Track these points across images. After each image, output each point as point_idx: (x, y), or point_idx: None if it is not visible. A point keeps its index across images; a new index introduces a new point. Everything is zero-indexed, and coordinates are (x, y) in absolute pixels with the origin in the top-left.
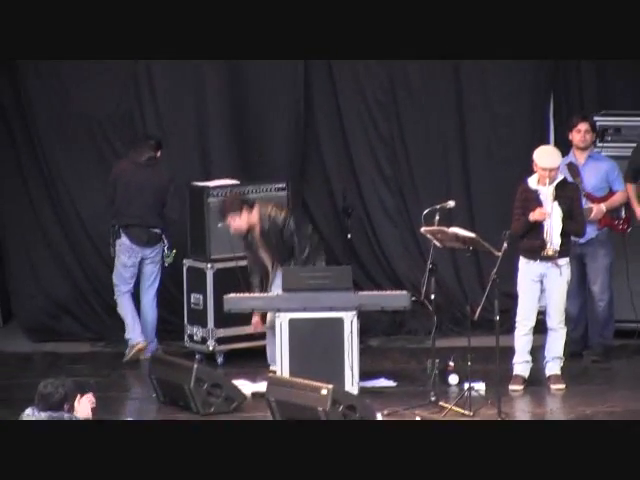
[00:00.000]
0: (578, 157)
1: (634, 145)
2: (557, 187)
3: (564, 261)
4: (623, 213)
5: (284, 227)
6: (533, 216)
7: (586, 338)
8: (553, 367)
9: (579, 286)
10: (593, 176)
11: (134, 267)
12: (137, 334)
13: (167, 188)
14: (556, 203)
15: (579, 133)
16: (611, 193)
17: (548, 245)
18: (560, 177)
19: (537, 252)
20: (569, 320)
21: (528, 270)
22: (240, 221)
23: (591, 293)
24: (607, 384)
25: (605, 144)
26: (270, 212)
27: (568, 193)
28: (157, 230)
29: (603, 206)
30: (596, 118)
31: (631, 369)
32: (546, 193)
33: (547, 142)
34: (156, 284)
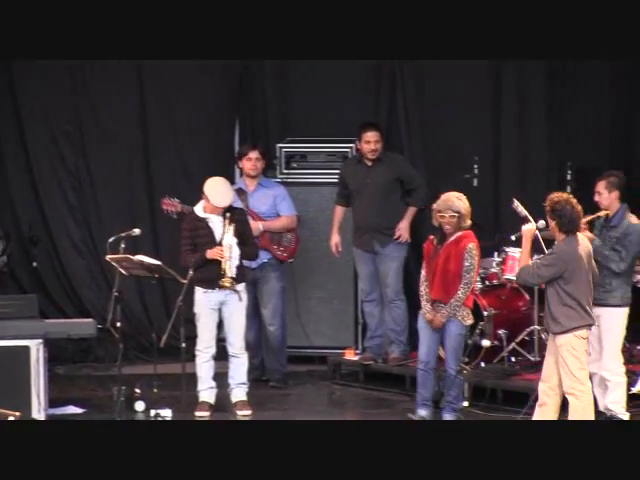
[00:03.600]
0: (248, 184)
1: (320, 171)
2: (226, 213)
3: (242, 287)
4: (293, 243)
5: None
6: (211, 254)
7: (265, 364)
8: (238, 393)
9: (254, 312)
10: (262, 203)
11: None
12: None
13: None
14: (231, 234)
15: (250, 161)
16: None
17: (226, 278)
18: None
19: (214, 282)
20: (248, 347)
21: (206, 299)
22: None
23: (262, 317)
24: (293, 409)
25: (291, 171)
26: None
27: (237, 217)
28: None
29: (260, 224)
30: (281, 145)
31: (309, 394)
32: (215, 221)
33: (232, 171)
34: None
